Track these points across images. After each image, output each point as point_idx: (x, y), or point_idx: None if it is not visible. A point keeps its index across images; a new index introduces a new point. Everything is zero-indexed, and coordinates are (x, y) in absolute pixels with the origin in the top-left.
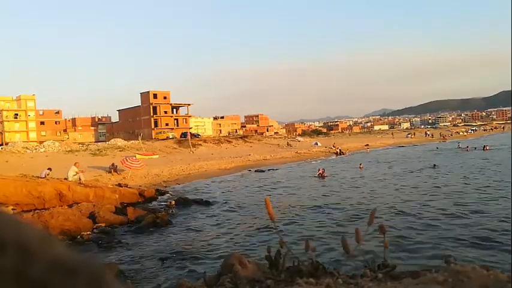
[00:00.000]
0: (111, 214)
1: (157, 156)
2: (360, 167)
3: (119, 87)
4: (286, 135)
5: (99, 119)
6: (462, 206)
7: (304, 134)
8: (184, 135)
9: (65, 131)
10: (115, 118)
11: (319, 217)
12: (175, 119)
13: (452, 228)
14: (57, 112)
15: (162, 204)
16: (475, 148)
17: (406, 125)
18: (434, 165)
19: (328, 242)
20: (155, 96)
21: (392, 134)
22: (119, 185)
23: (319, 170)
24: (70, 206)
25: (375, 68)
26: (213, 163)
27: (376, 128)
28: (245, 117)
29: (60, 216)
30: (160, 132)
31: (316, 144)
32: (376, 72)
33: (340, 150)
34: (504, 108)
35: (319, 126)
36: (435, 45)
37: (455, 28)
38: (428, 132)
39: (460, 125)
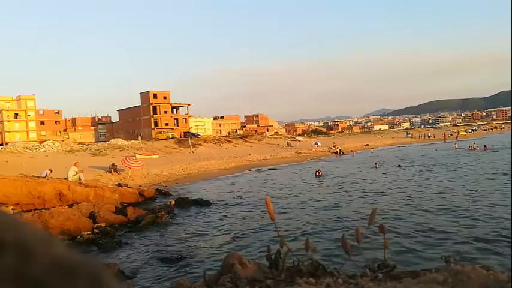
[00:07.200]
0: (111, 214)
1: (157, 156)
2: (376, 166)
3: (119, 87)
4: (286, 135)
5: (99, 119)
6: (458, 207)
7: (304, 133)
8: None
9: (65, 130)
10: (115, 118)
11: (320, 217)
12: (175, 119)
13: (455, 230)
14: (57, 112)
15: (162, 204)
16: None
17: (406, 124)
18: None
19: (328, 241)
20: (155, 96)
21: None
22: (119, 185)
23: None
24: (70, 205)
25: (375, 68)
26: (213, 163)
27: (376, 128)
28: (245, 117)
29: (60, 216)
30: (160, 132)
31: (317, 144)
32: (376, 72)
33: (340, 150)
34: (504, 108)
35: (319, 126)
36: (435, 45)
37: (455, 28)
38: (428, 134)
39: (460, 124)
